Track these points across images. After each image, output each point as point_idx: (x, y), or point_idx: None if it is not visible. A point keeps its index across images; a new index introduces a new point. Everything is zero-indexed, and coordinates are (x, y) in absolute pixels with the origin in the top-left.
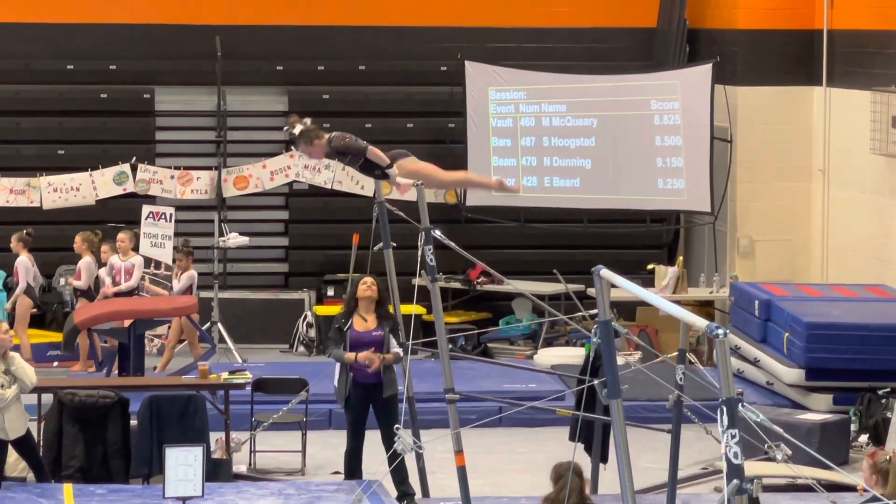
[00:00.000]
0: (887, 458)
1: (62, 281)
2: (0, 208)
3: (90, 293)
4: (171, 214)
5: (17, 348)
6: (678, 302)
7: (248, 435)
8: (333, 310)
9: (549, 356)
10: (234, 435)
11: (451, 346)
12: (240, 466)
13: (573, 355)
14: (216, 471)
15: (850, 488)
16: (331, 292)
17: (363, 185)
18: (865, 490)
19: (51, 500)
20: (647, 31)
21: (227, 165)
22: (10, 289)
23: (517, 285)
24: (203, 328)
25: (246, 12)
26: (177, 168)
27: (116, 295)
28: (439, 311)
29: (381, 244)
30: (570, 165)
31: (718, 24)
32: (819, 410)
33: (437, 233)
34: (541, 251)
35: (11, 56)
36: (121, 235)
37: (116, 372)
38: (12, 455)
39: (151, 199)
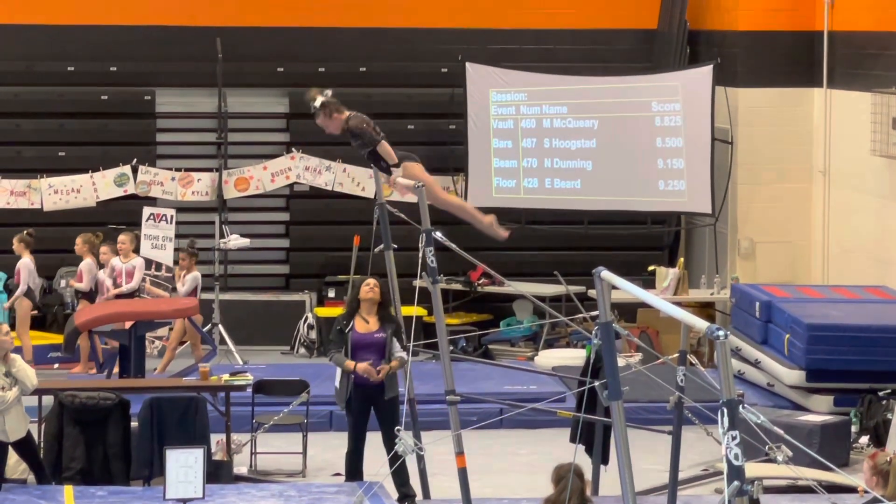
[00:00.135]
0: (888, 459)
1: (63, 283)
2: (1, 210)
3: (91, 295)
4: (171, 216)
5: (18, 350)
6: (679, 303)
7: (248, 436)
8: (334, 311)
9: (549, 358)
10: (234, 437)
11: (451, 347)
12: (241, 468)
13: (574, 357)
14: (217, 472)
15: (850, 490)
16: (332, 294)
17: (364, 186)
18: (866, 491)
19: (51, 502)
20: (648, 33)
21: (227, 167)
22: (10, 290)
23: (518, 287)
24: (204, 330)
25: (247, 14)
26: (177, 170)
27: (117, 297)
28: (440, 312)
29: (381, 246)
30: (570, 167)
31: (719, 25)
32: (820, 412)
33: (438, 234)
34: (542, 253)
35: (12, 58)
36: (122, 237)
37: (117, 374)
38: (13, 457)
39: (152, 201)
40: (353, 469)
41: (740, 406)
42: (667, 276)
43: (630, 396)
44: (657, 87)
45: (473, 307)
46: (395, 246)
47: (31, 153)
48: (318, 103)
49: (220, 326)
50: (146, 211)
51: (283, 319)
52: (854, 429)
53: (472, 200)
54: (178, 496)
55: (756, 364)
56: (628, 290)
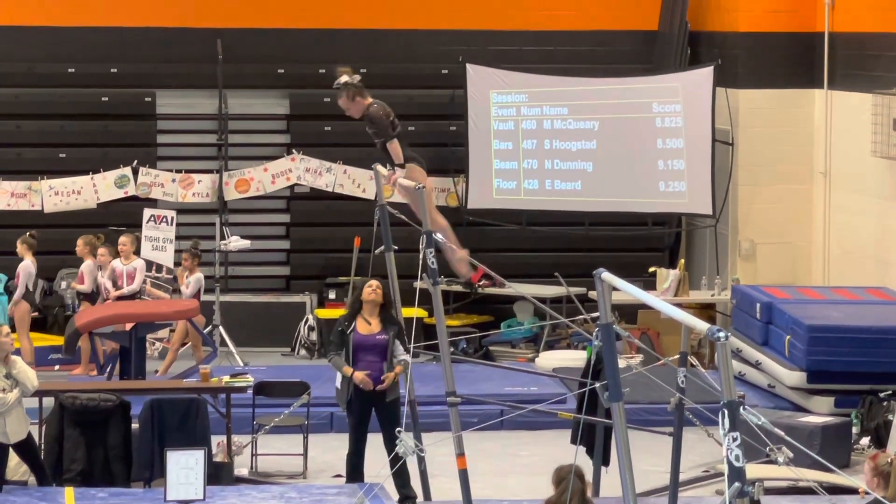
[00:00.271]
0: (889, 460)
1: (63, 284)
2: (1, 212)
3: (93, 296)
4: (172, 218)
5: (19, 352)
6: (679, 305)
7: (249, 438)
8: (335, 313)
9: (550, 359)
10: (235, 438)
11: (452, 349)
12: (241, 470)
13: (575, 358)
14: (218, 474)
15: (851, 491)
16: (332, 295)
17: (364, 188)
18: (867, 493)
19: None
20: (649, 34)
21: (228, 169)
22: (11, 292)
23: (519, 288)
24: (204, 331)
25: (247, 15)
26: (178, 171)
27: (118, 298)
28: (441, 314)
29: (382, 247)
30: (571, 168)
31: (720, 26)
32: (820, 413)
33: (439, 236)
34: (542, 254)
35: (13, 59)
36: (122, 239)
37: (118, 375)
38: (13, 459)
39: (153, 203)
40: (354, 470)
41: (741, 407)
42: (667, 277)
43: (631, 398)
44: (658, 88)
45: (474, 309)
46: (396, 247)
47: (32, 155)
48: (342, 81)
49: (221, 328)
50: (147, 212)
51: (283, 321)
52: (855, 430)
53: (473, 202)
54: (179, 498)
55: (757, 365)
56: (629, 291)
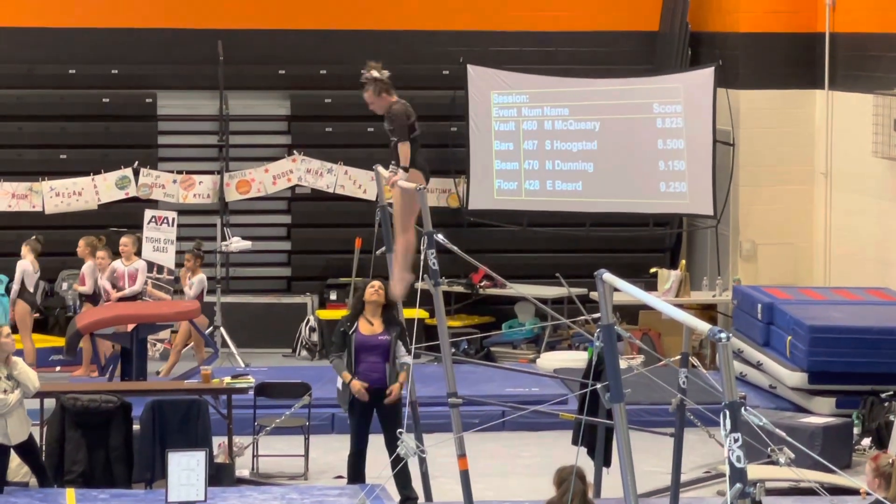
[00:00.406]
0: (890, 461)
1: (65, 285)
2: (2, 213)
3: (95, 298)
4: (173, 219)
5: (20, 353)
6: (681, 306)
7: (250, 439)
8: (336, 314)
9: (551, 360)
10: (236, 439)
11: (453, 350)
12: (242, 471)
13: (576, 359)
14: (219, 475)
15: (853, 492)
16: (333, 296)
17: (365, 189)
18: (868, 493)
19: None
20: (650, 35)
21: (229, 170)
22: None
23: (520, 289)
24: (206, 332)
25: (248, 16)
26: (179, 172)
27: (120, 299)
28: (442, 315)
29: (383, 248)
30: (572, 169)
31: (720, 27)
32: (822, 414)
33: (440, 237)
34: (543, 255)
35: (13, 61)
36: (123, 240)
37: (119, 376)
38: (14, 460)
39: (154, 204)
40: (356, 472)
41: (742, 408)
42: (668, 278)
43: (632, 399)
44: (658, 88)
45: (475, 309)
46: None
47: (33, 156)
48: (371, 75)
49: (222, 329)
50: (147, 214)
51: (284, 322)
52: (856, 431)
53: (474, 203)
54: (180, 499)
55: (758, 366)
56: (630, 292)
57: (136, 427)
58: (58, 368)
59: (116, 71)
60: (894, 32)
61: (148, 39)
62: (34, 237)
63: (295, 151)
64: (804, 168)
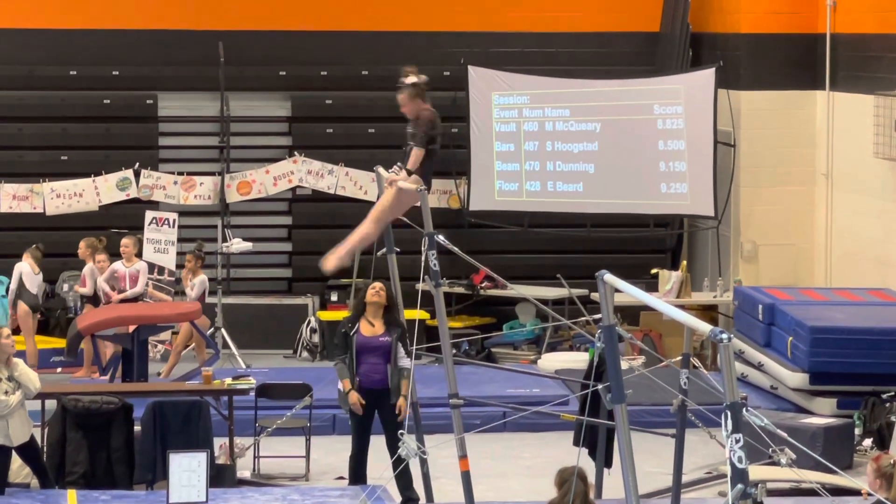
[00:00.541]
0: (891, 462)
1: (65, 287)
2: (3, 214)
3: (96, 299)
4: (174, 220)
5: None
6: (682, 306)
7: (251, 440)
8: (337, 315)
9: (552, 361)
10: (237, 440)
11: (454, 351)
12: (244, 472)
13: (577, 360)
14: (220, 476)
15: (854, 492)
16: (334, 297)
17: (366, 190)
18: (870, 494)
19: None
20: (651, 36)
21: (230, 171)
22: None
23: (521, 290)
24: (207, 334)
25: (249, 18)
26: (180, 174)
27: (122, 301)
28: (443, 316)
29: (384, 249)
30: (573, 170)
31: (721, 28)
32: (823, 414)
33: (441, 238)
34: (544, 256)
35: (14, 62)
36: (124, 241)
37: (120, 378)
38: (16, 461)
39: (155, 205)
40: (357, 473)
41: (743, 409)
42: (669, 278)
43: (633, 399)
44: (659, 89)
45: (476, 310)
46: (398, 249)
47: (34, 157)
48: (410, 80)
49: (223, 330)
50: (148, 215)
51: (285, 323)
52: (857, 431)
53: (475, 204)
54: (182, 500)
55: (759, 367)
56: (631, 293)
57: (137, 428)
58: (59, 370)
59: (117, 72)
60: (895, 33)
61: (149, 41)
62: (35, 245)
63: (296, 153)
64: (805, 169)
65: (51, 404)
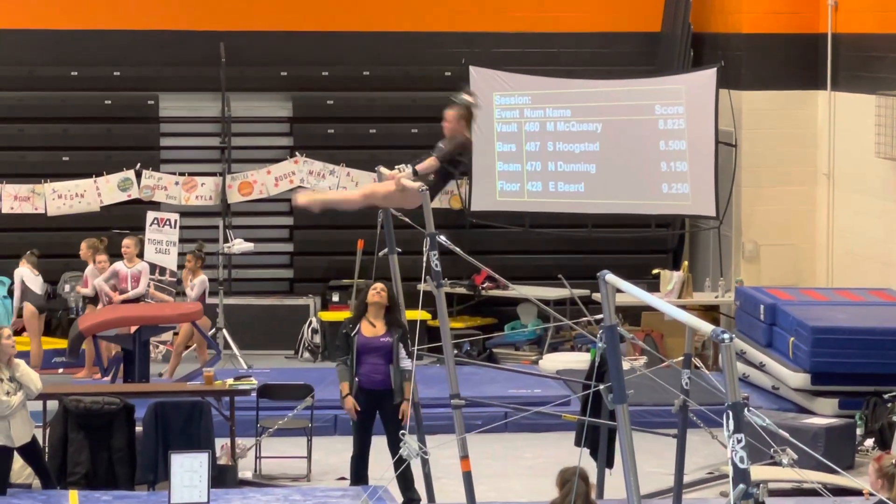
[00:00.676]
0: (893, 461)
1: (67, 287)
2: (5, 215)
3: (97, 300)
4: (175, 221)
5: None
6: (683, 306)
7: (253, 441)
8: (338, 315)
9: (554, 361)
10: (239, 441)
11: (456, 351)
12: (245, 472)
13: (578, 360)
14: (222, 477)
15: (856, 492)
16: (336, 298)
17: None
18: (871, 494)
19: None
20: (652, 36)
21: (231, 171)
22: (14, 296)
23: (522, 290)
24: (208, 334)
25: (250, 18)
26: (181, 174)
27: (124, 301)
28: (444, 316)
29: (386, 250)
30: (574, 170)
31: (723, 28)
32: (825, 415)
33: (443, 238)
34: (546, 256)
35: (15, 63)
36: (126, 241)
37: (121, 378)
38: (17, 462)
39: (156, 206)
40: (358, 473)
41: (745, 409)
42: (671, 279)
43: (635, 400)
44: (661, 90)
45: (477, 311)
46: (400, 250)
47: (35, 158)
48: (467, 100)
49: (225, 331)
50: (150, 215)
51: (287, 324)
52: (859, 431)
53: (476, 204)
54: (183, 500)
55: (761, 367)
56: (633, 293)
57: (138, 429)
58: (60, 370)
59: (118, 73)
60: None
61: (150, 41)
62: (30, 251)
63: (297, 153)
64: (806, 169)
65: (52, 405)
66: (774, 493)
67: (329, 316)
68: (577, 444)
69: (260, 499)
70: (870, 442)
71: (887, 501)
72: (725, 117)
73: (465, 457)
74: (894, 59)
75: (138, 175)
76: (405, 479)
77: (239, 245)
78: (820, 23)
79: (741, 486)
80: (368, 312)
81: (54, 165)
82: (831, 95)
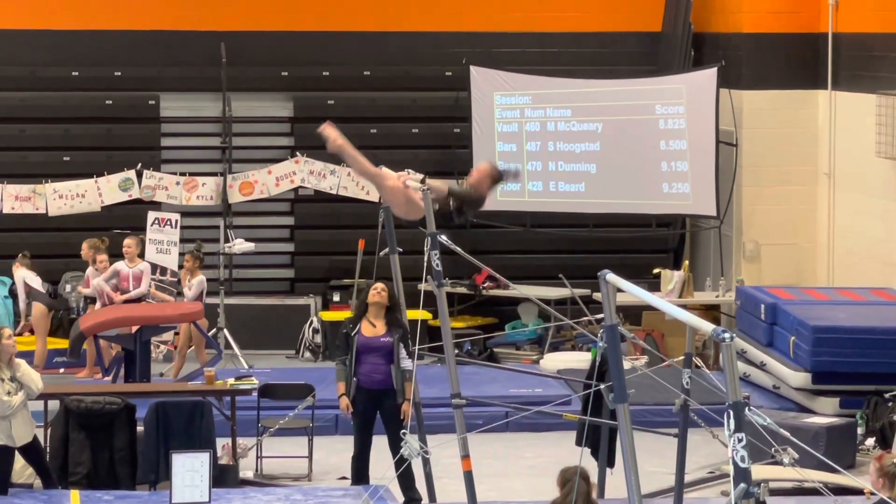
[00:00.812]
0: (894, 461)
1: (68, 288)
2: (6, 215)
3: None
4: (176, 221)
5: (31, 354)
6: (684, 306)
7: (254, 440)
8: (339, 315)
9: (555, 361)
10: (240, 441)
11: (457, 351)
12: (246, 472)
13: (579, 360)
14: (223, 476)
15: (857, 492)
16: (336, 298)
17: (368, 190)
18: (872, 493)
19: None
20: (653, 36)
21: (232, 171)
22: (15, 296)
23: (523, 290)
24: (209, 334)
25: (250, 18)
26: (182, 174)
27: (126, 301)
28: (445, 316)
29: (387, 249)
30: (575, 170)
31: (723, 28)
32: (825, 414)
33: (444, 238)
34: (546, 256)
35: (16, 63)
36: (127, 241)
37: (123, 378)
38: (19, 461)
39: (157, 206)
40: (359, 473)
41: (746, 408)
42: (672, 278)
43: (635, 399)
44: (661, 89)
45: (478, 311)
46: (401, 250)
47: (36, 158)
48: (513, 170)
49: (226, 331)
50: (151, 215)
51: (288, 323)
52: (860, 431)
53: None
54: (184, 500)
55: (762, 366)
56: (633, 292)
57: (139, 429)
58: (62, 370)
59: (119, 73)
60: None
61: (151, 41)
62: (21, 254)
63: (298, 153)
64: (807, 168)
65: (54, 405)
66: (775, 492)
67: (330, 316)
68: (578, 443)
69: (261, 498)
70: (871, 441)
71: (888, 501)
72: (726, 117)
73: (466, 456)
74: (895, 58)
75: (139, 175)
76: (406, 479)
77: (240, 245)
78: (821, 22)
79: (742, 485)
80: (369, 312)
81: (55, 165)
82: (832, 95)
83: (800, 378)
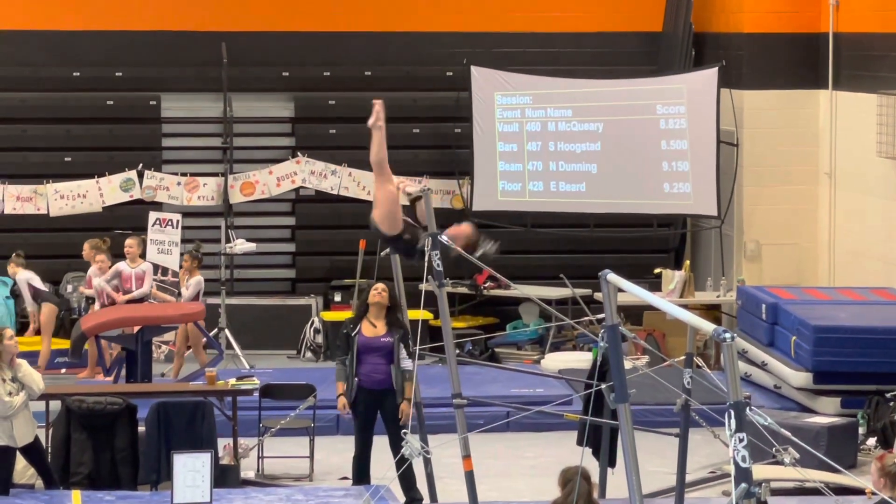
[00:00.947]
0: (895, 460)
1: (69, 288)
2: (7, 216)
3: None
4: (177, 221)
5: (36, 354)
6: (685, 306)
7: (255, 441)
8: (340, 315)
9: (556, 361)
10: (241, 441)
11: (458, 351)
12: (248, 472)
13: (580, 360)
14: (224, 477)
15: (858, 491)
16: (338, 298)
17: (369, 190)
18: (874, 493)
19: None
20: (653, 36)
21: (233, 172)
22: (17, 296)
23: (524, 290)
24: (210, 334)
25: (251, 19)
26: (183, 175)
27: (128, 301)
28: (446, 316)
29: (388, 250)
30: (575, 170)
31: (724, 27)
32: (827, 414)
33: (444, 238)
34: (547, 256)
35: (18, 63)
36: (128, 242)
37: (124, 378)
38: (20, 462)
39: (158, 206)
40: (360, 473)
41: (747, 408)
42: (673, 278)
43: (636, 399)
44: (662, 89)
45: (479, 311)
46: None
47: (38, 158)
48: (492, 249)
49: (227, 331)
50: (152, 216)
51: (289, 324)
52: (861, 430)
53: (478, 204)
54: (186, 500)
55: (763, 366)
56: (634, 292)
57: (141, 429)
58: (63, 371)
59: (120, 73)
60: None
61: (152, 42)
62: (15, 254)
63: (299, 153)
64: (808, 168)
65: (55, 405)
66: (777, 492)
67: (331, 316)
68: (580, 443)
69: (262, 499)
70: (872, 441)
71: (889, 500)
72: (727, 117)
73: (467, 456)
74: (895, 58)
75: (140, 175)
76: (407, 479)
77: (241, 245)
78: (821, 22)
79: (743, 485)
80: (370, 313)
81: (56, 166)
82: (833, 95)
83: (801, 378)
